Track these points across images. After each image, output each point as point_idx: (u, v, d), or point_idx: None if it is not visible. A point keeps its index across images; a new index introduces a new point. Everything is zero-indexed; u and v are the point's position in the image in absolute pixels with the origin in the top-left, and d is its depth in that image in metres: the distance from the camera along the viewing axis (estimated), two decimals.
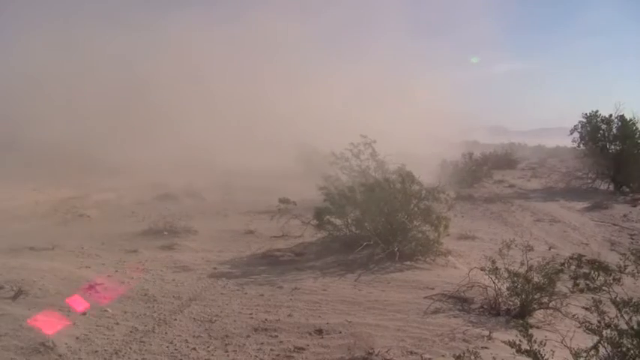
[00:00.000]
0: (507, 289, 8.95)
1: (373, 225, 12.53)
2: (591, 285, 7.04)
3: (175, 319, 8.55)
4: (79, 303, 9.10)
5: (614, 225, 19.55)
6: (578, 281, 7.57)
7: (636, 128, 29.45)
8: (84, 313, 8.66)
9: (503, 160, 41.21)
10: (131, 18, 50.05)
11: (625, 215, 21.24)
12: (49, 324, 8.01)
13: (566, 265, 8.13)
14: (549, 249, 15.22)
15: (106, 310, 8.82)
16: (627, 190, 28.18)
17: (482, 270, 9.44)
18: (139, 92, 41.45)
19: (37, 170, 26.29)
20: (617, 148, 29.98)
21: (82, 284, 10.12)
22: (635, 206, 23.11)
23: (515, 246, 9.87)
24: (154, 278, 10.86)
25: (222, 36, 50.54)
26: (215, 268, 11.64)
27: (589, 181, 30.22)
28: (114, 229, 16.02)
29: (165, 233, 14.87)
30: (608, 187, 29.26)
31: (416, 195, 12.85)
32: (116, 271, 11.32)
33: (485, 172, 31.79)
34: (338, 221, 13.24)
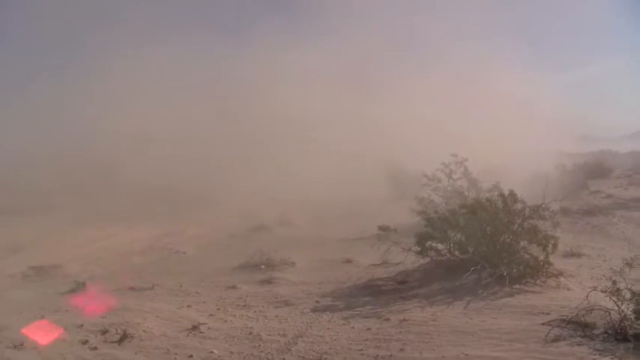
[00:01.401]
0: (633, 311, 8.32)
1: (478, 248, 12.05)
2: None
3: (284, 359, 8.32)
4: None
5: None
6: None
7: None
8: (190, 356, 8.53)
9: (597, 169, 39.66)
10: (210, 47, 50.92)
11: None
12: None
13: None
14: None
15: (212, 352, 8.67)
16: None
17: (602, 292, 8.81)
18: (225, 122, 42.02)
19: (131, 208, 26.73)
20: None
21: (185, 325, 10.04)
22: None
23: (638, 264, 9.19)
24: (257, 315, 10.69)
25: (299, 59, 50.77)
26: (317, 302, 11.39)
27: None
28: (210, 264, 16.03)
29: (263, 267, 14.75)
30: None
31: (519, 214, 12.30)
32: (218, 309, 11.20)
33: (580, 183, 30.67)
34: (440, 246, 12.78)
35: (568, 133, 54.79)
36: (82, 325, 9.88)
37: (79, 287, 13.07)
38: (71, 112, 44.72)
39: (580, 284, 11.68)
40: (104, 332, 9.47)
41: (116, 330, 9.53)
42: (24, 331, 9.82)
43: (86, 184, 32.93)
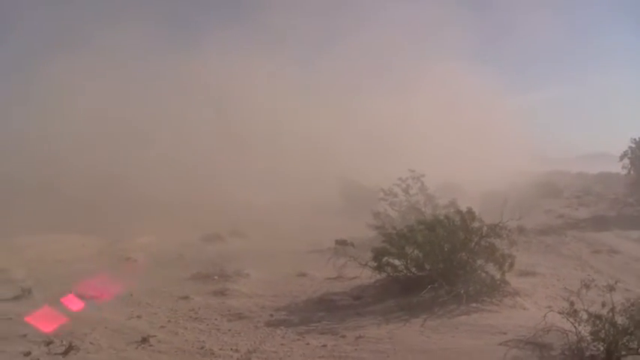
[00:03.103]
0: (590, 333, 8.28)
1: (435, 265, 11.95)
2: None
3: None
4: None
5: None
6: None
7: None
8: None
9: (549, 189, 40.25)
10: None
11: None
12: None
13: None
14: (615, 283, 14.37)
15: None
16: None
17: (559, 313, 8.76)
18: (181, 130, 41.58)
19: (80, 213, 26.05)
20: None
21: (135, 337, 9.72)
22: None
23: (595, 285, 9.19)
24: (209, 328, 10.43)
25: (254, 67, 50.60)
26: (272, 315, 11.15)
27: None
28: (161, 273, 15.63)
29: (216, 277, 14.44)
30: None
31: (477, 232, 12.26)
32: (169, 320, 10.91)
33: (534, 202, 30.97)
34: (397, 262, 12.62)
35: (526, 153, 55.62)
36: (25, 335, 9.51)
37: (24, 294, 12.61)
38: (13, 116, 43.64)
39: (535, 304, 11.71)
40: (48, 343, 9.08)
41: (61, 341, 9.18)
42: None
43: (34, 188, 32.00)
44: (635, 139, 30.03)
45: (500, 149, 47.73)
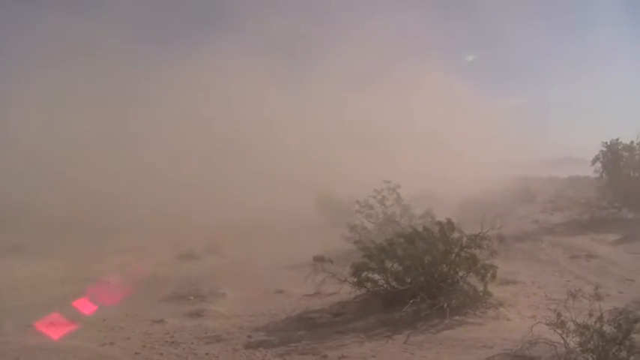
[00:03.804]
0: (579, 344, 8.07)
1: (415, 279, 11.69)
2: None
3: None
4: None
5: None
6: None
7: None
8: None
9: (523, 195, 40.46)
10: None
11: None
12: None
13: None
14: (596, 289, 14.27)
15: None
16: None
17: (546, 324, 8.55)
18: (140, 144, 41.10)
19: (51, 236, 25.45)
20: None
21: None
22: None
23: (582, 295, 9.01)
24: (186, 353, 10.04)
25: (227, 69, 50.37)
26: (250, 337, 10.79)
27: (613, 210, 29.32)
28: (135, 294, 15.18)
29: (191, 298, 14.06)
30: (636, 216, 28.31)
31: (457, 243, 12.05)
32: (143, 346, 10.48)
33: (509, 208, 31.00)
34: (377, 276, 12.34)
35: (501, 159, 55.95)
36: None
37: None
38: None
39: (519, 314, 11.53)
40: None
41: None
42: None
43: (6, 205, 31.24)
44: (606, 143, 30.11)
45: (477, 156, 47.99)
